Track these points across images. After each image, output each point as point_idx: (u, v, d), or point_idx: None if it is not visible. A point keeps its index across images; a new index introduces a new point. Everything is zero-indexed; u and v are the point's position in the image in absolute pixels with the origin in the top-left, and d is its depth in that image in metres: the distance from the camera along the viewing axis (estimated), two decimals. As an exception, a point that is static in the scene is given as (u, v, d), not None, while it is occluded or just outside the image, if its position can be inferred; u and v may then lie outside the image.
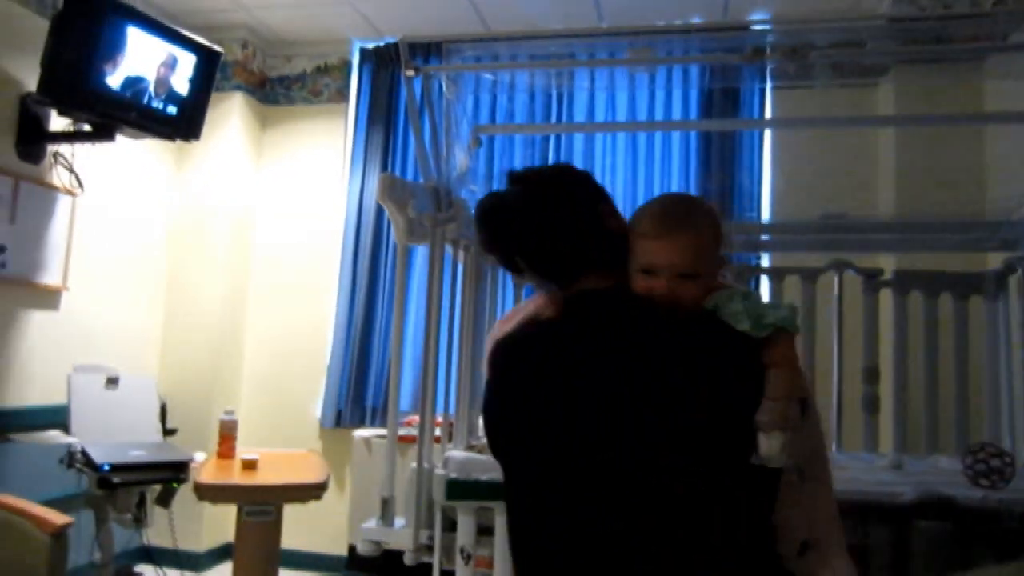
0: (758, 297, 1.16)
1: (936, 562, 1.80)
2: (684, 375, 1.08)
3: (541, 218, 1.18)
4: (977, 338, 2.78)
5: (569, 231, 1.18)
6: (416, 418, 2.54)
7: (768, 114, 3.85)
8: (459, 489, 2.16)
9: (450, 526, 2.22)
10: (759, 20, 3.68)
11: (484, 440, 2.44)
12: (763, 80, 3.45)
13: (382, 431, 3.83)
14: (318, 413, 4.19)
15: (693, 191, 3.80)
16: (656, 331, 1.12)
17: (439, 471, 2.20)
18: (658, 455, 1.07)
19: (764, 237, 3.13)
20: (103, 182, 3.70)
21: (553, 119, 4.04)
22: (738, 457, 1.06)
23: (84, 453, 2.87)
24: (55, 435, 3.08)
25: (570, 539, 1.11)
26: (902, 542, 1.83)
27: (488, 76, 2.77)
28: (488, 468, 2.17)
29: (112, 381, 3.37)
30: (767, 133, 3.84)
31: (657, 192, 3.87)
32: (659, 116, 3.93)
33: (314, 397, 4.23)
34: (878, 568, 1.83)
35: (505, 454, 1.24)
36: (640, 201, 3.94)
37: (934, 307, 2.78)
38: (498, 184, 3.96)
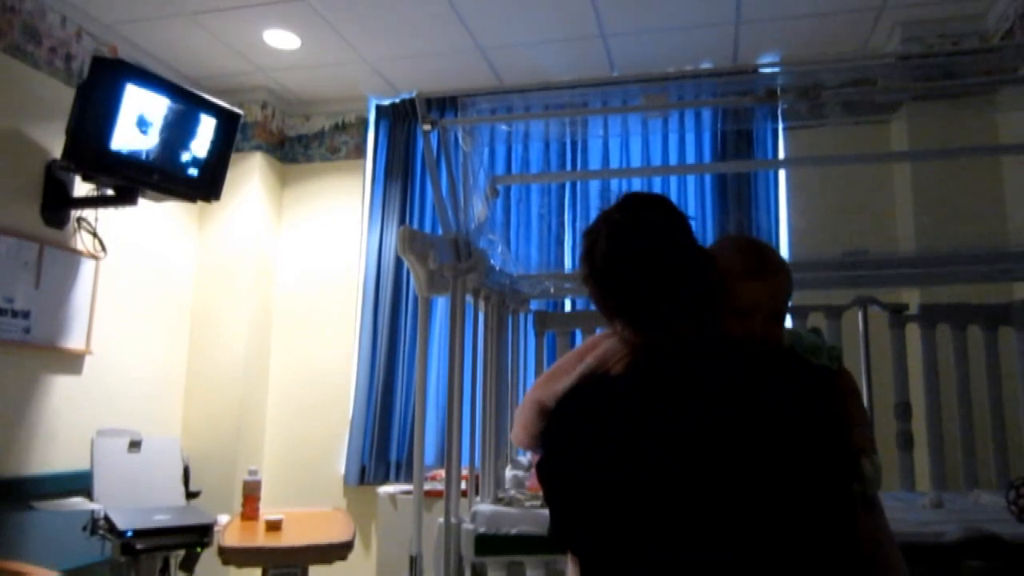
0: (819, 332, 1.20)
1: (988, 604, 1.73)
2: (790, 411, 1.07)
3: (678, 249, 1.13)
4: (1009, 369, 2.73)
5: (697, 269, 1.14)
6: (441, 472, 2.51)
7: (782, 154, 3.86)
8: (488, 544, 2.11)
9: (481, 582, 2.17)
10: (769, 63, 3.72)
11: (512, 493, 2.40)
12: (776, 121, 3.48)
13: (407, 487, 3.79)
14: (342, 470, 4.15)
15: (711, 233, 3.80)
16: (755, 371, 1.10)
17: (467, 526, 2.16)
18: (777, 494, 1.04)
19: (785, 276, 3.10)
20: (126, 245, 3.75)
21: (568, 167, 4.08)
22: (843, 487, 1.07)
23: (107, 519, 2.84)
24: (78, 501, 3.07)
25: None
26: (950, 584, 1.77)
27: (503, 127, 2.80)
28: (517, 521, 2.13)
29: (135, 444, 3.36)
30: (782, 173, 3.84)
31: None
32: (673, 160, 3.95)
33: (337, 454, 4.19)
34: (927, 612, 1.77)
35: (572, 509, 1.17)
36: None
37: (963, 339, 2.74)
38: (516, 234, 4.01)
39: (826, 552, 1.05)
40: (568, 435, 1.18)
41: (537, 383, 1.29)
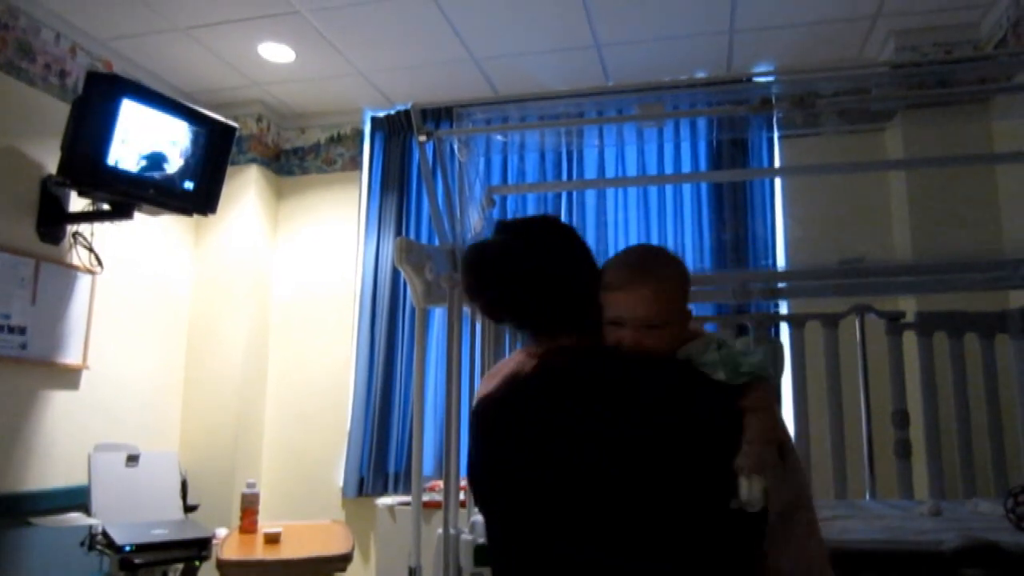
0: (732, 345, 1.16)
1: (987, 613, 1.73)
2: (660, 424, 1.09)
3: (524, 269, 1.20)
4: (1007, 376, 2.73)
5: (551, 286, 1.20)
6: (440, 483, 2.50)
7: (778, 163, 3.87)
8: (487, 554, 2.10)
9: (480, 594, 2.16)
10: (764, 72, 3.74)
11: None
12: (771, 129, 3.49)
13: (405, 498, 3.78)
14: (340, 482, 4.14)
15: (707, 242, 3.80)
16: (629, 383, 1.14)
17: (466, 536, 2.15)
18: (642, 505, 1.07)
19: (782, 284, 3.10)
20: (122, 259, 3.75)
21: (564, 176, 4.08)
22: (719, 502, 1.07)
23: (105, 534, 2.84)
24: (76, 517, 3.06)
25: None
26: (950, 593, 1.76)
27: (499, 137, 2.80)
28: (516, 532, 2.12)
29: (132, 459, 3.35)
30: (778, 182, 3.85)
31: (671, 245, 3.87)
32: (669, 169, 3.96)
33: (335, 466, 4.18)
34: (927, 622, 1.76)
35: (493, 511, 1.24)
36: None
37: (960, 347, 2.74)
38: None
39: (696, 567, 1.06)
40: (489, 438, 1.24)
41: (482, 381, 1.36)
